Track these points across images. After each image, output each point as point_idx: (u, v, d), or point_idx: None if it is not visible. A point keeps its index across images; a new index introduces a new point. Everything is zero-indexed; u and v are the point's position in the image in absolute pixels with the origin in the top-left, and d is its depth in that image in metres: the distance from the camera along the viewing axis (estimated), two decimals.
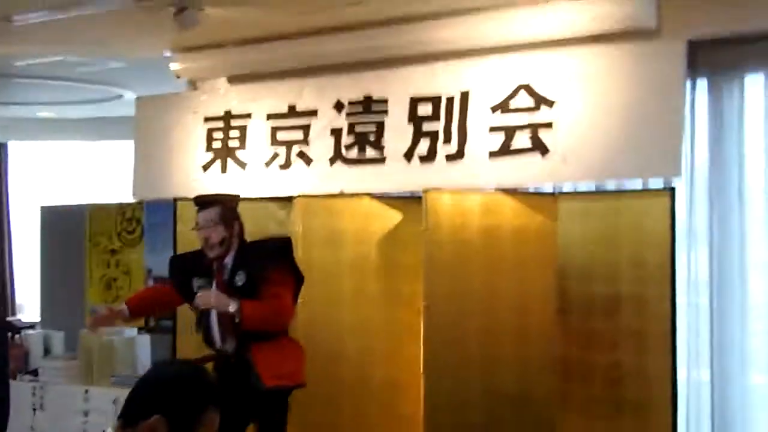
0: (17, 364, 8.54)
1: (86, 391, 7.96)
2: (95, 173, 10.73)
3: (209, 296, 5.68)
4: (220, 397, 3.09)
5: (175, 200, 7.26)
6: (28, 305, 10.45)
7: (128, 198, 9.70)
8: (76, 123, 11.21)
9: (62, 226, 9.64)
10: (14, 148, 11.48)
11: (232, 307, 5.60)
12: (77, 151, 11.35)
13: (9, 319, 9.38)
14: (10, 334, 8.88)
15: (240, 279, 5.70)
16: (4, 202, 11.48)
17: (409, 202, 6.69)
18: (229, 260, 5.78)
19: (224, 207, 5.83)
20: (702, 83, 6.07)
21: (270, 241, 6.03)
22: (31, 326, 9.23)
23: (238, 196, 6.09)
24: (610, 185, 6.20)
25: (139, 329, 8.16)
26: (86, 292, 9.37)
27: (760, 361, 6.09)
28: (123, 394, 8.09)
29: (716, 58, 5.98)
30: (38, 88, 9.79)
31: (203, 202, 5.89)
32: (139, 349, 8.16)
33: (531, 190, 6.47)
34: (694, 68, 5.93)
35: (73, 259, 9.41)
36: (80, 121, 11.11)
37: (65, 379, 8.05)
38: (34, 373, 8.25)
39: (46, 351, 8.82)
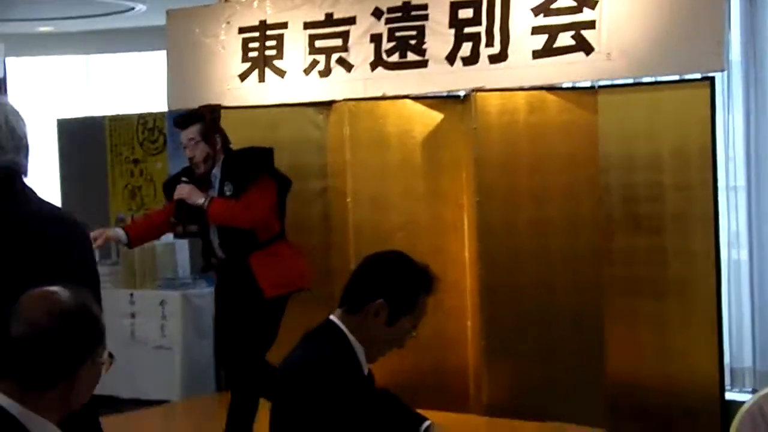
0: None
1: (131, 295, 8.26)
2: (110, 86, 10.85)
3: (184, 188, 5.93)
4: (431, 283, 3.43)
5: None
6: None
7: (146, 109, 9.90)
8: (80, 36, 11.29)
9: (80, 139, 9.78)
10: (23, 63, 11.55)
11: (201, 200, 5.88)
12: (90, 65, 11.44)
13: None
14: None
15: (228, 189, 5.93)
16: None
17: (449, 102, 6.97)
18: (216, 172, 6.00)
19: (204, 123, 5.99)
20: None
21: (251, 150, 6.21)
22: None
23: (219, 106, 6.27)
24: (648, 78, 6.46)
25: (175, 235, 8.38)
26: (110, 201, 9.58)
27: None
28: (167, 296, 8.42)
29: None
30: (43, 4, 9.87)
31: (182, 121, 6.05)
32: (179, 254, 8.43)
33: (569, 85, 6.74)
34: None
35: (94, 171, 9.58)
36: (85, 34, 11.20)
37: (110, 284, 8.32)
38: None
39: None
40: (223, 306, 6.12)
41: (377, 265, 3.53)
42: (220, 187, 5.96)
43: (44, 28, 11.07)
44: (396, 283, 3.43)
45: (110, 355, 2.53)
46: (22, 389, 2.41)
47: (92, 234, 6.06)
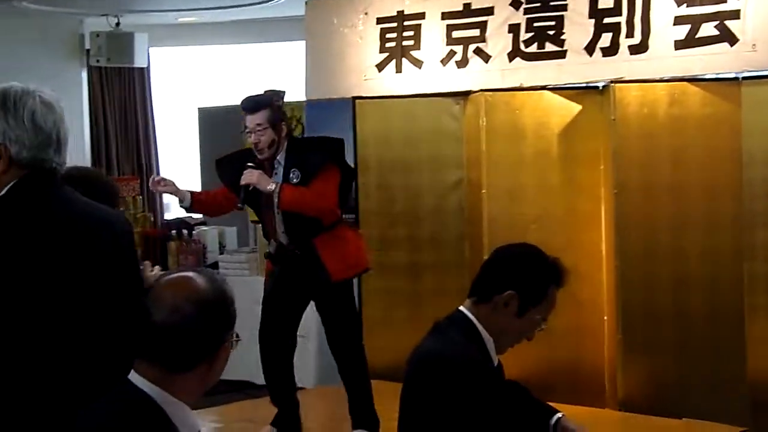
0: (196, 258, 8.95)
1: None
2: (250, 76, 11.00)
3: (253, 174, 5.82)
4: (561, 276, 3.41)
5: (354, 99, 7.54)
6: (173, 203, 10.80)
7: (286, 98, 10.01)
8: (221, 26, 11.47)
9: (220, 127, 9.93)
10: (166, 53, 11.79)
11: (272, 186, 5.83)
12: (230, 55, 11.62)
13: (181, 217, 9.77)
14: (185, 231, 9.28)
15: (294, 176, 5.87)
16: (149, 108, 11.84)
17: (587, 93, 6.89)
18: (281, 159, 5.95)
19: (271, 109, 5.92)
20: None
21: (322, 139, 6.23)
22: (203, 223, 9.60)
23: (283, 92, 6.13)
24: None
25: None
26: None
27: None
28: None
29: None
30: None
31: (249, 106, 5.96)
32: None
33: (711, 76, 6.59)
34: None
35: None
36: (226, 24, 11.37)
37: (247, 271, 8.45)
38: (214, 266, 8.64)
39: (221, 246, 9.24)
40: (281, 292, 6.10)
41: (508, 257, 3.55)
42: (285, 173, 5.93)
43: (186, 19, 11.27)
44: (526, 274, 3.44)
45: (236, 336, 2.60)
46: (165, 372, 2.50)
47: (157, 178, 6.15)
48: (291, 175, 5.89)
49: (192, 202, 6.09)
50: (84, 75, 11.34)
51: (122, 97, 11.68)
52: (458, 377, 3.28)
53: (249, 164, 5.85)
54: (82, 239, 2.89)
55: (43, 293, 2.81)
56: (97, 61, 10.73)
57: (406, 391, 3.46)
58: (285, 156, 5.94)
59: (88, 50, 10.95)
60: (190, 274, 2.58)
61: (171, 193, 6.17)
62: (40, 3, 9.98)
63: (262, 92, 6.09)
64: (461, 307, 3.49)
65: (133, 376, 2.53)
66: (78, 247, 2.87)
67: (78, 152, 11.32)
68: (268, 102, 5.94)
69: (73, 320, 2.83)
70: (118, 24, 10.68)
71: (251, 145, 6.00)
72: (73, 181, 3.15)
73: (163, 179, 6.12)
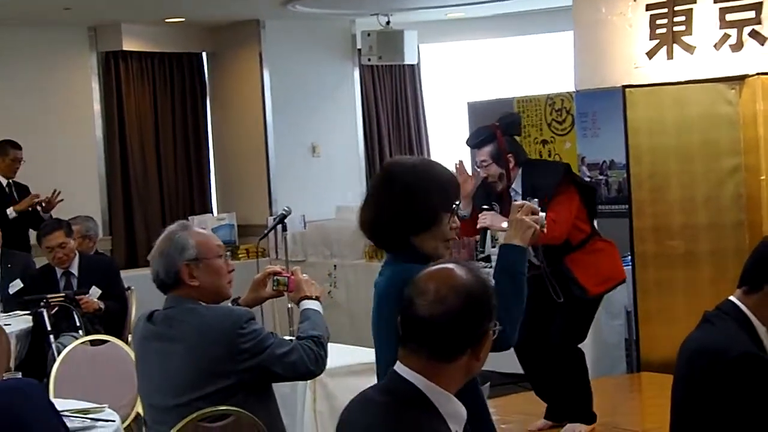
0: (468, 252, 9.02)
1: None
2: (519, 68, 11.08)
3: (486, 217, 5.75)
4: None
5: (624, 87, 7.45)
6: None
7: (554, 89, 10.01)
8: (488, 20, 11.57)
9: (490, 120, 9.96)
10: (435, 49, 12.00)
11: (505, 224, 5.72)
12: (498, 48, 11.72)
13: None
14: None
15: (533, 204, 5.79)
16: (420, 104, 12.07)
17: None
18: (517, 187, 5.93)
19: (496, 144, 5.89)
20: None
21: (549, 164, 6.22)
22: None
23: (515, 119, 6.15)
24: None
25: None
26: None
27: None
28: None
29: None
30: None
31: (475, 143, 5.99)
32: None
33: None
34: None
35: None
36: (493, 18, 11.47)
37: None
38: (486, 260, 8.67)
39: (493, 239, 9.27)
40: (535, 311, 6.04)
41: None
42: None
43: (454, 14, 11.43)
44: None
45: (496, 324, 2.66)
46: (431, 362, 2.57)
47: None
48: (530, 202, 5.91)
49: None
50: (356, 73, 11.68)
51: (393, 94, 11.95)
52: (733, 370, 3.22)
53: (484, 207, 5.91)
54: None
55: None
56: (369, 59, 11.00)
57: (677, 385, 3.43)
58: (521, 183, 5.97)
59: (359, 49, 11.25)
60: (451, 266, 2.65)
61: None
62: (314, 6, 10.35)
63: (488, 125, 6.07)
64: (731, 297, 3.43)
65: (399, 367, 2.61)
66: None
67: (351, 148, 11.68)
68: (491, 137, 5.97)
69: None
70: (388, 23, 10.93)
71: None
72: None
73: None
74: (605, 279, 6.04)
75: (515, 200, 5.98)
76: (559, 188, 5.86)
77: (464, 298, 2.57)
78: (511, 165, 5.98)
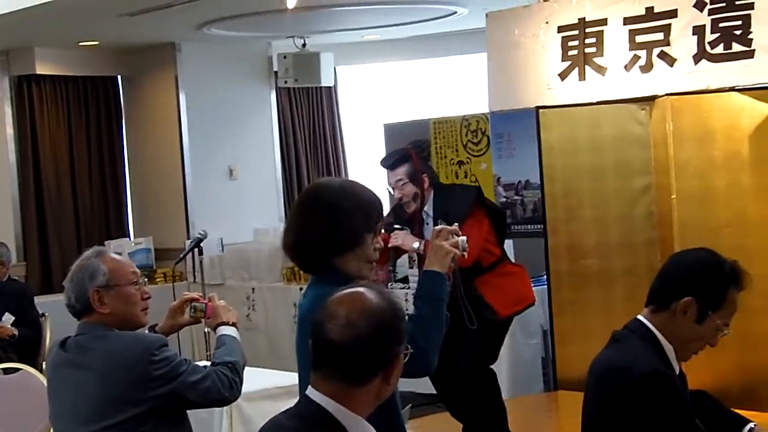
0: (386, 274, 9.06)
1: None
2: (433, 90, 11.15)
3: (398, 236, 5.96)
4: (740, 278, 3.37)
5: (537, 108, 7.53)
6: None
7: (470, 111, 10.08)
8: (404, 42, 11.64)
9: (406, 142, 10.03)
10: (351, 71, 12.03)
11: (417, 244, 5.88)
12: (413, 70, 11.79)
13: None
14: None
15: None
16: (336, 125, 12.09)
17: None
18: (428, 209, 6.03)
19: (411, 164, 6.03)
20: None
21: (460, 188, 6.41)
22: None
23: (426, 144, 6.26)
24: None
25: None
26: None
27: None
28: None
29: None
30: (369, 13, 10.23)
31: (388, 163, 6.09)
32: None
33: None
34: None
35: None
36: (409, 40, 11.55)
37: None
38: (404, 281, 8.72)
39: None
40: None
41: (683, 263, 3.50)
42: (434, 224, 5.97)
43: (370, 36, 11.48)
44: (703, 279, 3.38)
45: (407, 348, 2.67)
46: (342, 386, 2.58)
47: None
48: (439, 225, 5.96)
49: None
50: (273, 96, 11.68)
51: (310, 116, 11.97)
52: (641, 388, 3.26)
53: (396, 226, 5.96)
54: None
55: None
56: (285, 82, 11.01)
57: (588, 403, 3.47)
58: (432, 205, 6.04)
59: (276, 72, 11.25)
60: (361, 289, 2.66)
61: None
62: (230, 29, 10.33)
63: (402, 147, 6.26)
64: (639, 316, 3.47)
65: (311, 391, 2.62)
66: None
67: (268, 171, 11.67)
68: (407, 157, 6.07)
69: None
70: (304, 45, 10.95)
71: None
72: None
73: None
74: (516, 302, 6.11)
75: (427, 223, 6.04)
76: (469, 212, 5.92)
77: (374, 322, 2.58)
78: (426, 185, 6.05)
